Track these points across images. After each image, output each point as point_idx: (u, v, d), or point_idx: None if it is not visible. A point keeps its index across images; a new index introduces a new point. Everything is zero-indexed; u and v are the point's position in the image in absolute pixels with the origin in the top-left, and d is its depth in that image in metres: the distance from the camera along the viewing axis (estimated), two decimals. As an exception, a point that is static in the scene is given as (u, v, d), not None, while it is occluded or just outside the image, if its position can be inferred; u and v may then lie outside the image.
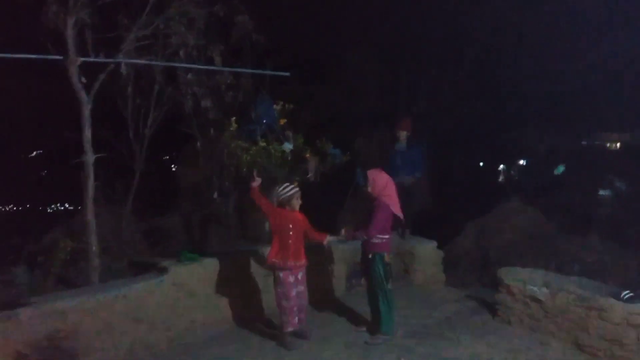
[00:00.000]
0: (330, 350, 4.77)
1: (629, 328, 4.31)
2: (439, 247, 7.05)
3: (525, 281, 5.16)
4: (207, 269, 5.46)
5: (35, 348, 4.30)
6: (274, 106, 6.97)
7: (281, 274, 4.78)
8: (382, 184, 4.94)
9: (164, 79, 6.64)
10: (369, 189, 4.96)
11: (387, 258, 4.92)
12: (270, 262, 4.81)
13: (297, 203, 4.87)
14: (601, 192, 11.18)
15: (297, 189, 4.93)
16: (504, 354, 4.61)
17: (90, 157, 5.25)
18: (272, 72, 6.74)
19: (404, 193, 7.07)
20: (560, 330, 4.81)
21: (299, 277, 4.87)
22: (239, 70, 6.79)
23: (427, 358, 4.58)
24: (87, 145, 5.26)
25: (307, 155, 6.93)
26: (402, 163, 7.25)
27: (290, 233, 4.78)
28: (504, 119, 14.21)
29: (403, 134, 7.34)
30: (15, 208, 15.09)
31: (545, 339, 4.85)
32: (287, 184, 5.03)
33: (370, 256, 4.91)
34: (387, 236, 4.92)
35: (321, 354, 4.68)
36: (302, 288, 4.90)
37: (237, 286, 5.60)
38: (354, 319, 5.58)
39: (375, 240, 4.86)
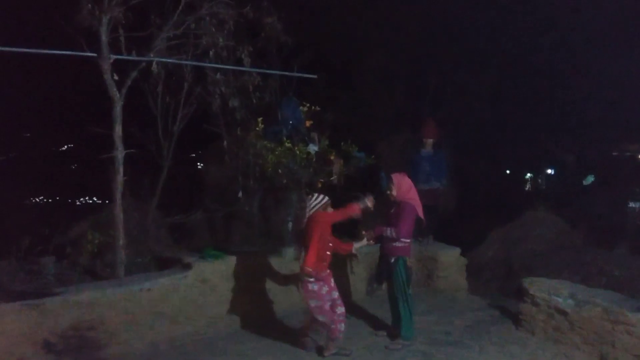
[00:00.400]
0: (352, 351, 4.77)
1: (656, 344, 4.20)
2: (463, 254, 6.97)
3: (551, 292, 5.07)
4: (230, 266, 5.53)
5: (61, 337, 4.42)
6: (300, 108, 7.00)
7: (316, 286, 4.55)
8: (407, 188, 4.97)
9: (193, 78, 6.72)
10: (393, 192, 4.97)
11: (409, 262, 4.89)
12: (307, 270, 4.47)
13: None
14: (631, 204, 10.91)
15: (327, 198, 4.81)
16: (526, 365, 4.54)
17: (120, 153, 5.35)
18: (300, 74, 6.77)
19: (432, 199, 7.07)
20: (585, 343, 4.71)
21: (332, 284, 4.74)
22: (266, 71, 6.83)
23: (447, 365, 4.54)
24: (118, 141, 5.36)
25: (332, 157, 6.93)
26: (430, 169, 7.23)
27: (330, 244, 4.68)
28: (533, 126, 13.98)
29: (430, 141, 7.32)
30: (44, 200, 15.45)
31: (569, 351, 4.76)
32: (317, 194, 4.88)
33: (392, 260, 4.87)
34: (409, 240, 4.90)
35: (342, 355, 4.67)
36: (336, 295, 4.73)
37: (258, 284, 5.65)
38: (375, 322, 5.58)
39: (399, 244, 4.85)
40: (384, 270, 5.02)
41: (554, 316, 5.00)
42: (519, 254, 7.75)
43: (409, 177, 7.06)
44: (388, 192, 5.02)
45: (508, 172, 15.90)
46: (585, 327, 4.72)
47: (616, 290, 5.16)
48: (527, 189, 15.44)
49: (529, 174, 15.88)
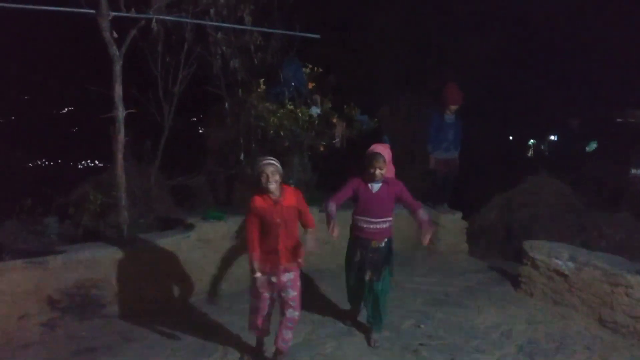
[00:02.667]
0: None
1: (655, 306, 4.24)
2: (464, 218, 7.00)
3: (551, 254, 5.10)
4: (232, 227, 5.55)
5: (66, 295, 4.49)
6: (303, 69, 6.90)
7: None
8: (391, 163, 4.21)
9: (194, 37, 6.60)
10: (383, 171, 4.00)
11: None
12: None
13: None
14: (633, 171, 10.86)
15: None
16: (524, 325, 4.61)
17: (120, 113, 5.29)
18: (302, 34, 6.63)
19: (451, 168, 7.08)
20: (583, 305, 4.77)
21: None
22: (268, 30, 6.69)
23: (446, 325, 4.61)
24: (118, 101, 5.30)
25: (334, 120, 6.88)
26: (453, 137, 7.01)
27: None
28: (536, 92, 13.82)
29: (454, 107, 6.94)
30: (46, 163, 15.45)
31: (568, 312, 4.82)
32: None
33: (383, 244, 4.16)
34: None
35: (342, 314, 4.74)
36: None
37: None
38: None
39: (387, 225, 4.18)
40: (369, 260, 4.14)
41: (553, 278, 5.04)
42: (520, 218, 7.77)
43: (428, 143, 7.07)
44: (374, 171, 3.96)
45: (511, 138, 15.82)
46: (584, 289, 4.76)
47: (616, 254, 5.18)
48: (529, 154, 15.38)
49: (531, 140, 15.80)
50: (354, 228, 4.23)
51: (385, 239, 4.18)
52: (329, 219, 3.90)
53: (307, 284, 5.44)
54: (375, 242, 4.14)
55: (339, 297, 4.97)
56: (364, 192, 4.10)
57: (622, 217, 7.03)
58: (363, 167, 4.08)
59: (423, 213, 4.11)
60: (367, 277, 4.16)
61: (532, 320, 4.70)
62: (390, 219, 4.18)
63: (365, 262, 4.16)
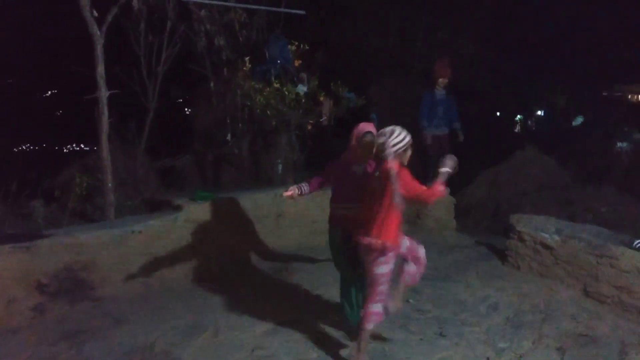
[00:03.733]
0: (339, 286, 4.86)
1: (638, 276, 4.31)
2: (452, 194, 7.03)
3: (537, 228, 5.15)
4: (221, 208, 5.53)
5: (54, 278, 4.45)
6: (289, 47, 6.84)
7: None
8: None
9: (177, 15, 6.50)
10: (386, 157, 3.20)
11: None
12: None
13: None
14: (619, 144, 10.97)
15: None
16: (511, 298, 4.67)
17: (103, 93, 5.23)
18: (287, 10, 6.56)
19: (442, 145, 6.94)
20: (569, 277, 4.84)
21: None
22: (253, 7, 6.61)
23: (435, 300, 4.66)
24: (101, 81, 5.23)
25: (322, 98, 6.85)
26: (443, 113, 6.97)
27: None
28: (523, 68, 13.83)
29: (443, 81, 6.91)
30: (31, 147, 15.26)
31: (554, 284, 4.89)
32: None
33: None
34: None
35: (331, 289, 4.77)
36: None
37: (248, 226, 5.68)
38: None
39: None
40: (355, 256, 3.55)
41: (540, 251, 5.10)
42: (508, 193, 7.83)
43: (421, 120, 6.96)
44: (383, 155, 3.21)
45: (498, 114, 15.86)
46: (569, 261, 4.83)
47: (602, 227, 5.25)
48: (517, 130, 15.45)
49: (518, 116, 15.86)
50: (334, 218, 3.75)
51: None
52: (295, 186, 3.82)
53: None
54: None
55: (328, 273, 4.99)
56: (346, 177, 3.61)
57: (607, 191, 7.12)
58: (348, 145, 3.58)
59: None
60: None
61: (519, 293, 4.76)
62: None
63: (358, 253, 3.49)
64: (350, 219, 3.53)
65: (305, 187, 3.80)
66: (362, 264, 3.47)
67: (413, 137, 3.34)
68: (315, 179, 3.83)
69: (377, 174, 3.38)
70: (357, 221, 3.43)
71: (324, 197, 4.08)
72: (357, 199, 3.50)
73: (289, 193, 3.77)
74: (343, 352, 3.73)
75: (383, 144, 3.24)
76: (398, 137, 3.25)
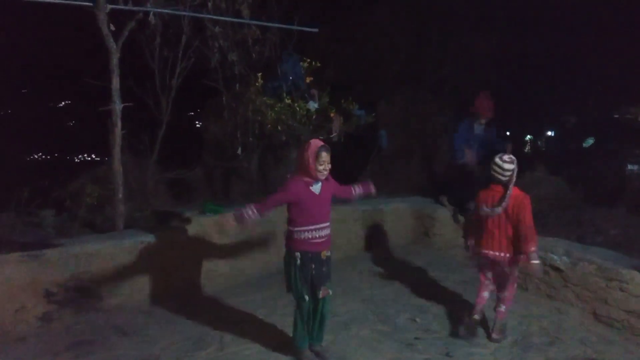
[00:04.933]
0: (347, 304, 4.86)
1: (649, 300, 4.26)
2: (461, 213, 7.00)
3: (547, 249, 5.11)
4: (229, 221, 5.53)
5: (62, 287, 4.49)
6: (301, 63, 6.91)
7: None
8: None
9: (191, 31, 6.60)
10: (329, 168, 3.58)
11: None
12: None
13: None
14: (630, 167, 10.90)
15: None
16: (518, 319, 4.62)
17: (117, 106, 5.30)
18: (300, 27, 6.64)
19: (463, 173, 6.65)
20: (578, 300, 4.79)
21: None
22: (266, 24, 6.70)
23: (442, 319, 4.63)
24: (115, 94, 5.31)
25: (332, 114, 6.89)
26: (479, 147, 6.57)
27: None
28: (533, 88, 13.85)
29: (485, 117, 6.53)
30: (43, 156, 15.43)
31: (563, 307, 4.84)
32: (508, 156, 4.03)
33: (329, 252, 3.76)
34: None
35: (339, 307, 4.75)
36: None
37: (258, 240, 5.69)
38: (370, 277, 5.66)
39: (329, 229, 3.75)
40: (323, 274, 3.69)
41: (549, 273, 5.05)
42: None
43: (456, 152, 6.61)
44: (322, 167, 3.51)
45: (508, 133, 15.85)
46: (579, 284, 4.78)
47: (613, 249, 5.19)
48: (526, 150, 15.41)
49: (528, 136, 15.83)
50: (298, 242, 3.59)
51: (329, 246, 3.73)
52: (236, 214, 3.60)
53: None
54: (325, 252, 3.66)
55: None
56: (308, 198, 3.54)
57: (618, 213, 7.04)
58: (300, 165, 3.56)
59: (359, 187, 3.98)
60: (321, 295, 3.66)
61: (527, 315, 4.72)
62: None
63: (321, 277, 3.64)
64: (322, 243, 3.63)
65: (251, 212, 3.55)
66: (319, 287, 3.64)
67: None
68: (272, 198, 3.62)
69: (506, 199, 3.91)
70: (488, 238, 4.05)
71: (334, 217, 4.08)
72: (322, 220, 3.61)
73: (231, 223, 3.64)
74: (349, 370, 3.71)
75: (512, 170, 3.94)
76: (513, 165, 3.96)
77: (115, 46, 5.27)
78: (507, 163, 3.96)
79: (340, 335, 4.28)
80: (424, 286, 5.41)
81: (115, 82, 5.30)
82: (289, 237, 3.65)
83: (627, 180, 9.02)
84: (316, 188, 3.58)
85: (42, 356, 3.88)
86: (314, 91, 6.87)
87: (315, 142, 3.56)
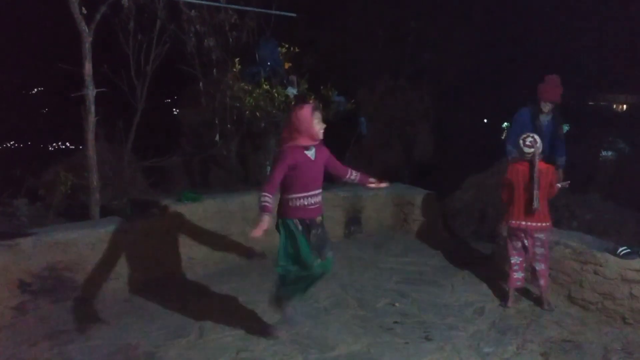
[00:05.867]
0: (328, 290, 4.86)
1: (622, 283, 4.35)
2: (439, 199, 7.07)
3: (523, 234, 5.17)
4: (208, 209, 5.50)
5: (37, 277, 4.39)
6: (279, 49, 6.84)
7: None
8: None
9: (167, 15, 6.46)
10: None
11: None
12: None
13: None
14: (603, 153, 11.12)
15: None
16: (496, 302, 4.70)
17: (90, 91, 5.18)
18: (278, 12, 6.56)
19: None
20: (553, 283, 4.86)
21: None
22: (243, 8, 6.60)
23: (421, 303, 4.67)
24: (88, 79, 5.18)
25: (311, 101, 6.84)
26: (547, 140, 5.32)
27: None
28: (511, 76, 13.98)
29: (549, 106, 5.47)
30: (15, 145, 15.05)
31: (539, 290, 4.91)
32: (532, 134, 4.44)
33: (322, 217, 3.78)
34: None
35: (319, 292, 4.75)
36: None
37: (236, 227, 5.65)
38: (350, 262, 5.67)
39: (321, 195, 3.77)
40: (322, 237, 3.72)
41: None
42: (494, 200, 7.84)
43: (507, 146, 5.71)
44: (320, 128, 3.54)
45: (485, 121, 16.02)
46: (554, 267, 4.86)
47: (587, 233, 5.29)
48: (503, 137, 15.57)
49: (505, 123, 16.00)
50: (293, 209, 3.57)
51: (322, 212, 3.74)
52: (263, 213, 3.36)
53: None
54: (319, 217, 3.69)
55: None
56: (304, 163, 3.52)
57: (592, 198, 7.20)
58: (296, 129, 3.48)
59: (357, 174, 3.94)
60: (328, 256, 3.73)
61: (504, 298, 4.79)
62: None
63: (325, 239, 3.72)
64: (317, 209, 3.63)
65: (269, 200, 3.39)
66: (325, 248, 3.69)
67: None
68: (275, 174, 3.46)
69: (535, 171, 4.32)
70: (521, 209, 4.43)
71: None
72: (316, 186, 3.61)
73: (260, 230, 3.31)
74: (329, 355, 3.72)
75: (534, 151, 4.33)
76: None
77: (87, 30, 5.13)
78: (527, 147, 4.38)
79: (320, 320, 4.29)
80: (403, 272, 5.45)
81: (88, 68, 5.17)
82: (284, 205, 3.61)
83: (601, 166, 9.20)
84: (311, 153, 3.56)
85: (19, 346, 3.81)
86: (293, 77, 6.82)
87: (308, 104, 3.56)
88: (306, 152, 3.54)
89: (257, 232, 3.30)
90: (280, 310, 3.88)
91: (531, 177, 4.36)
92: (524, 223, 4.48)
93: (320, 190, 3.66)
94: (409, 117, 11.95)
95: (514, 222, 4.53)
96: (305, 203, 3.56)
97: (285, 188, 3.58)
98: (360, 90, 10.81)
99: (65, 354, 3.71)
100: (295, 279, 3.71)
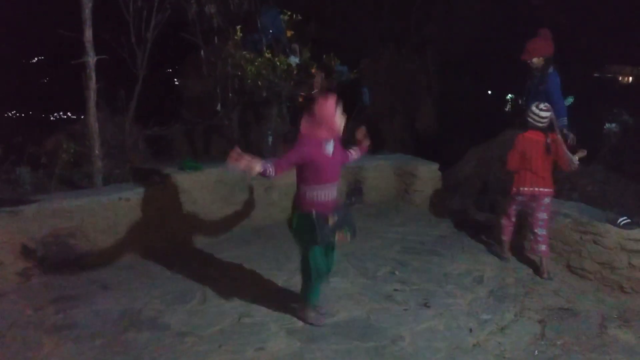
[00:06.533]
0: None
1: (621, 253, 4.39)
2: (441, 170, 7.06)
3: (524, 204, 5.19)
4: (209, 178, 5.52)
5: (41, 243, 4.44)
6: (281, 16, 6.73)
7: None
8: None
9: (167, -20, 6.36)
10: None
11: None
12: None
13: None
14: (607, 125, 11.03)
15: None
16: (495, 271, 4.75)
17: (91, 58, 5.13)
18: (281, -22, 6.44)
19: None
20: (553, 253, 4.90)
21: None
22: (245, -27, 6.49)
23: (421, 272, 4.72)
24: (88, 46, 5.13)
25: (313, 70, 6.77)
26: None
27: None
28: (516, 48, 13.81)
29: (536, 60, 5.26)
30: (17, 114, 15.00)
31: (538, 259, 4.95)
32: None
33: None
34: None
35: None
36: None
37: (238, 197, 5.67)
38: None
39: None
40: (341, 220, 3.60)
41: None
42: (496, 170, 7.85)
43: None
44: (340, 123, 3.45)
45: (490, 92, 15.86)
46: (554, 237, 4.89)
47: (588, 204, 5.30)
48: (507, 109, 15.47)
49: (510, 95, 15.87)
50: (309, 202, 3.46)
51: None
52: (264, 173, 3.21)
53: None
54: (335, 208, 3.57)
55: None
56: (322, 156, 3.40)
57: (594, 170, 7.17)
58: (317, 122, 3.35)
59: (355, 150, 3.89)
60: (348, 238, 3.64)
61: (503, 267, 4.84)
62: None
63: (342, 223, 3.58)
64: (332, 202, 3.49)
65: (271, 168, 3.23)
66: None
67: None
68: (286, 159, 3.33)
69: (548, 140, 4.49)
70: (529, 176, 4.59)
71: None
72: (334, 179, 3.48)
73: (243, 163, 3.09)
74: (329, 321, 3.77)
75: (549, 117, 4.49)
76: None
77: (87, -5, 5.06)
78: (543, 111, 4.51)
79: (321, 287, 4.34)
80: (404, 241, 5.49)
81: (88, 34, 5.12)
82: (300, 197, 3.49)
83: (604, 138, 9.13)
84: (329, 148, 3.44)
85: (24, 311, 3.87)
86: (295, 46, 6.73)
87: (333, 96, 3.41)
88: (325, 145, 3.41)
89: (235, 159, 3.06)
90: (307, 315, 3.77)
91: (549, 144, 4.50)
92: (537, 189, 4.62)
93: (336, 183, 3.53)
94: (412, 88, 11.84)
95: (526, 188, 4.65)
96: (322, 196, 3.45)
97: (302, 179, 3.47)
98: (364, 60, 10.68)
99: (69, 319, 3.78)
100: (317, 270, 3.60)
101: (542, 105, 4.54)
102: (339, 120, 3.41)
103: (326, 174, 3.44)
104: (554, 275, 4.64)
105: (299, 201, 3.52)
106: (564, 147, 4.52)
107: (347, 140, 3.89)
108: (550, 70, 5.24)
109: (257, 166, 3.13)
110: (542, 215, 4.66)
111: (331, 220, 3.49)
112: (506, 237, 5.02)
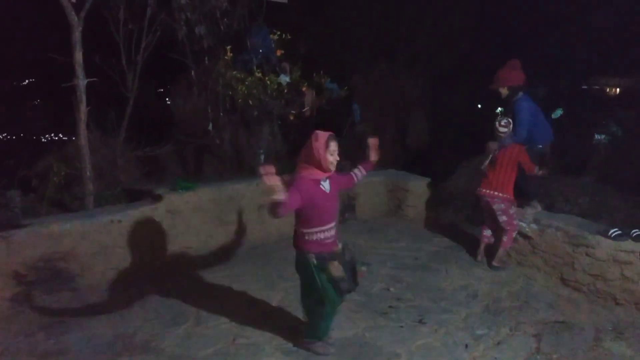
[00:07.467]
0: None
1: (613, 264, 4.40)
2: (433, 184, 7.09)
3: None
4: (202, 198, 5.51)
5: (32, 268, 4.40)
6: (271, 36, 6.79)
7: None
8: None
9: (157, 3, 6.40)
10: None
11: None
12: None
13: None
14: (597, 137, 11.13)
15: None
16: (489, 286, 4.75)
17: (81, 81, 5.14)
18: (269, -1, 6.51)
19: None
20: (546, 266, 4.93)
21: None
22: (234, -5, 6.55)
23: (415, 288, 4.71)
24: (79, 69, 5.15)
25: (304, 88, 6.83)
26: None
27: None
28: (505, 61, 13.97)
29: (502, 90, 5.44)
30: (8, 137, 14.94)
31: (531, 273, 4.98)
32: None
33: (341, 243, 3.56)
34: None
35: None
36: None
37: (231, 216, 5.66)
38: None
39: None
40: (350, 261, 3.53)
41: (518, 240, 5.18)
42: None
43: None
44: (334, 160, 3.31)
45: (480, 106, 15.99)
46: (547, 250, 4.91)
47: (580, 217, 5.33)
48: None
49: (499, 108, 16.01)
50: (310, 243, 3.34)
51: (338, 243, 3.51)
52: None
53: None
54: (337, 247, 3.47)
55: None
56: (320, 196, 3.28)
57: (585, 182, 7.22)
58: (308, 160, 3.26)
59: (359, 170, 3.80)
60: (359, 276, 3.60)
61: (497, 281, 4.84)
62: None
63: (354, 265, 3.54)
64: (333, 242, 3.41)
65: (287, 199, 2.98)
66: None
67: None
68: (291, 201, 3.07)
69: (495, 153, 5.07)
70: (488, 182, 5.12)
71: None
72: (332, 219, 3.38)
73: (271, 182, 2.84)
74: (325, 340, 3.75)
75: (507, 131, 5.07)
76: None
77: (76, 19, 5.08)
78: (502, 127, 5.10)
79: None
80: (397, 257, 5.49)
81: (78, 57, 5.13)
82: (300, 238, 3.38)
83: (594, 150, 9.21)
84: (325, 185, 3.33)
85: (15, 338, 3.83)
86: (286, 64, 6.78)
87: (323, 133, 3.28)
88: (321, 184, 3.31)
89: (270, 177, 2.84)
90: (314, 348, 3.67)
91: (494, 156, 5.11)
92: (488, 192, 5.13)
93: (335, 223, 3.42)
94: (403, 103, 11.93)
95: (484, 190, 5.18)
96: (322, 237, 3.34)
97: (300, 221, 3.35)
98: (354, 77, 10.77)
99: (62, 344, 3.73)
100: (322, 315, 3.53)
101: (503, 122, 5.09)
102: (330, 158, 3.27)
103: (324, 214, 3.32)
104: (506, 267, 5.11)
105: (297, 241, 3.41)
106: (527, 156, 5.06)
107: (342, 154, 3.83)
108: (519, 96, 5.40)
109: (281, 194, 2.91)
110: (502, 218, 5.09)
111: (336, 270, 3.34)
112: (482, 242, 5.42)
